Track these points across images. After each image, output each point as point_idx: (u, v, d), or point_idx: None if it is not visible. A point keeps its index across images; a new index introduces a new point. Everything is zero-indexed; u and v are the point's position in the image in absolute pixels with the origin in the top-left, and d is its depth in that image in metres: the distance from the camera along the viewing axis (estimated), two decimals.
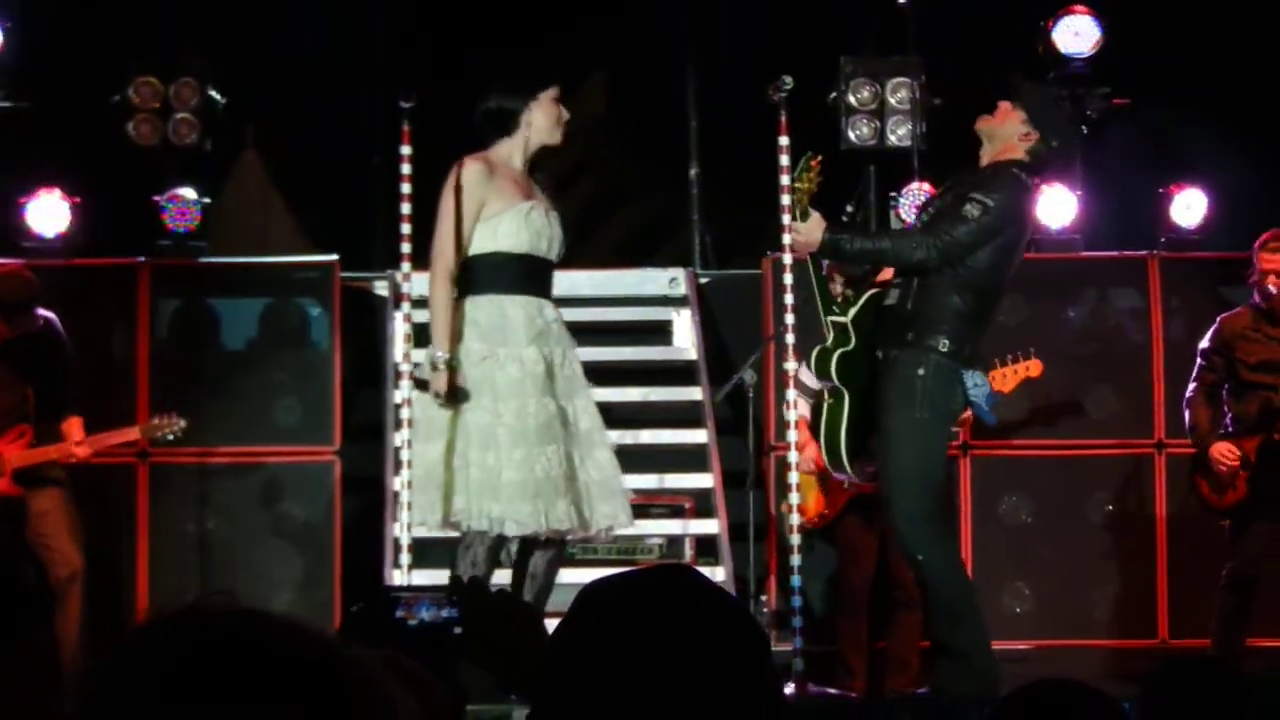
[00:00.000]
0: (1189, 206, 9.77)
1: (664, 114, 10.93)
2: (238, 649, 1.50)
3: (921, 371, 6.80)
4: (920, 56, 9.89)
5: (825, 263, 7.18)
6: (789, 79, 7.34)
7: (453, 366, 6.77)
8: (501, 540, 6.85)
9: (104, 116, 9.72)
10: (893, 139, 9.86)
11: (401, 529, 7.29)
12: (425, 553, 7.73)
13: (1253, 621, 8.21)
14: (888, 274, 7.09)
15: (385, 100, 7.83)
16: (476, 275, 6.89)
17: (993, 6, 9.91)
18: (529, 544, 6.94)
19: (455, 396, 6.76)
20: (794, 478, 7.53)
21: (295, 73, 10.28)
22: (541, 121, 6.98)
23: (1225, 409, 8.23)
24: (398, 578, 7.56)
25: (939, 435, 6.93)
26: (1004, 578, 9.39)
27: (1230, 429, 8.19)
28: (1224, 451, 8.07)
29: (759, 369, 9.07)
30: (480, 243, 6.88)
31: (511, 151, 7.00)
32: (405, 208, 7.41)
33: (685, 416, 9.65)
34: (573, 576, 7.12)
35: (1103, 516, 9.51)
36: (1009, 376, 8.29)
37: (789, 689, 7.31)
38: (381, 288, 9.80)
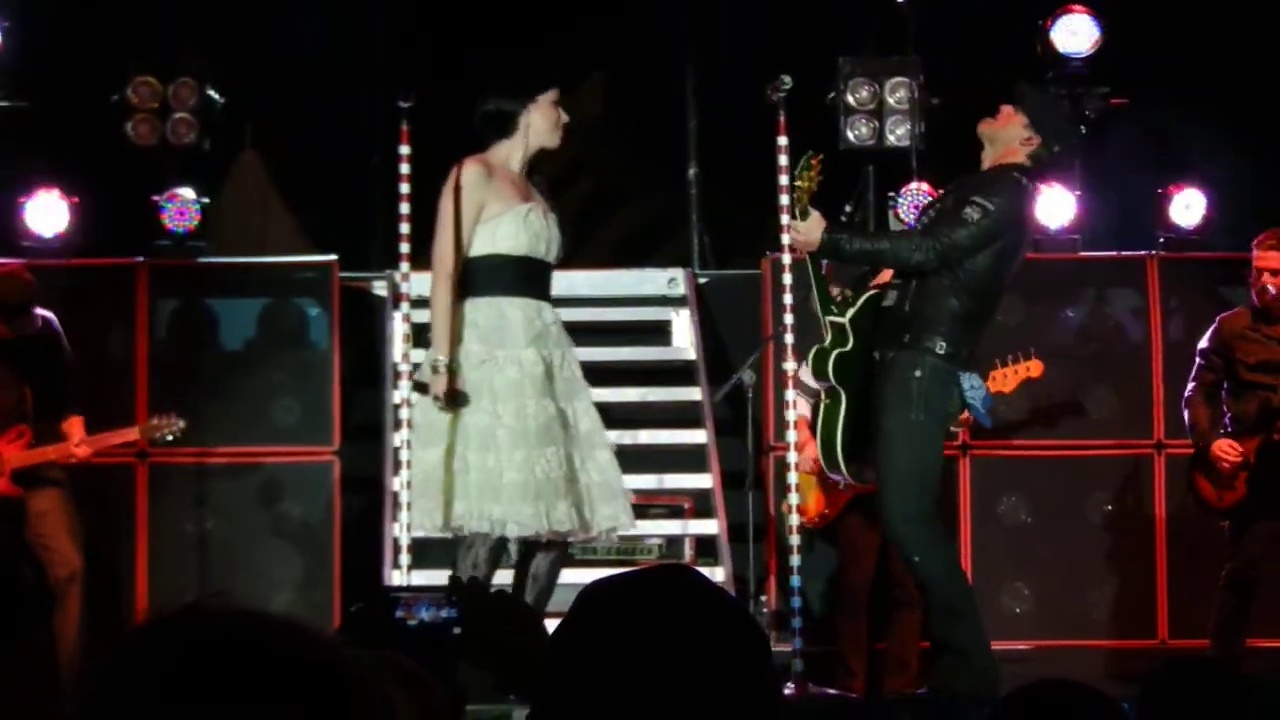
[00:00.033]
0: (1188, 206, 9.77)
1: (663, 114, 10.93)
2: (237, 649, 1.50)
3: (918, 373, 6.80)
4: (919, 56, 9.89)
5: (825, 262, 7.18)
6: (787, 79, 7.34)
7: (452, 370, 6.77)
8: (504, 542, 6.85)
9: (103, 116, 9.72)
10: (891, 139, 9.86)
11: (401, 529, 7.29)
12: (425, 553, 7.73)
13: (1252, 622, 8.21)
14: (886, 276, 7.09)
15: (384, 100, 7.83)
16: (475, 277, 6.89)
17: (991, 6, 9.91)
18: (531, 546, 6.94)
19: (455, 400, 6.76)
20: (793, 478, 7.53)
21: (294, 72, 10.28)
22: (540, 124, 6.99)
23: (1224, 409, 8.24)
24: (397, 578, 7.56)
25: (935, 437, 6.93)
26: (1003, 578, 9.39)
27: (1229, 429, 8.19)
28: (1226, 448, 8.07)
29: (758, 369, 9.07)
30: (479, 245, 6.88)
31: (510, 153, 7.00)
32: (404, 208, 7.41)
33: (684, 417, 9.65)
34: (572, 577, 7.12)
35: (1102, 517, 9.51)
36: (1010, 377, 8.29)
37: (788, 689, 7.31)
38: (380, 288, 9.80)
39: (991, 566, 9.33)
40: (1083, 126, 9.45)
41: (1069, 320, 9.73)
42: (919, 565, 6.88)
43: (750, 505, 8.88)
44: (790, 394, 7.66)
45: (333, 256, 9.69)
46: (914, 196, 9.53)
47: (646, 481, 9.07)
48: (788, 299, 7.55)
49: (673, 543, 9.23)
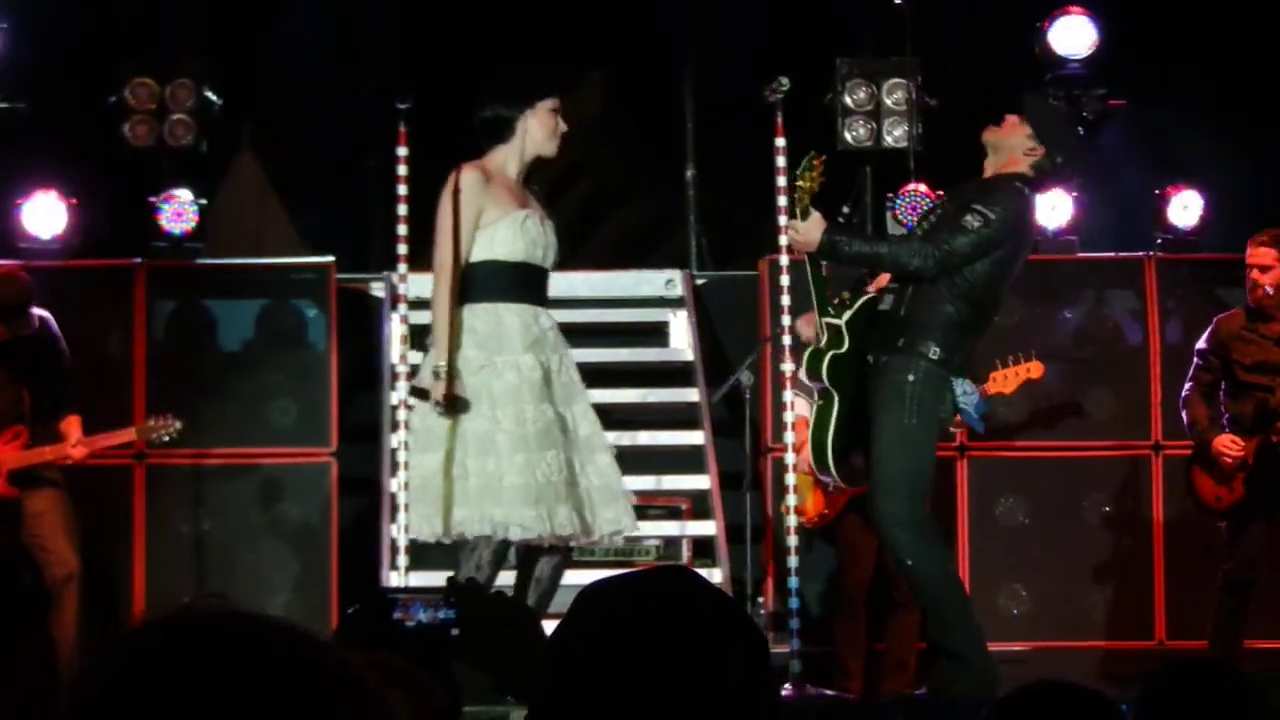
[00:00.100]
0: (1186, 207, 9.78)
1: (661, 115, 10.93)
2: (237, 650, 1.50)
3: (911, 377, 6.81)
4: (917, 58, 9.89)
5: (824, 264, 7.18)
6: (785, 80, 7.34)
7: (452, 375, 6.77)
8: (507, 545, 6.85)
9: (100, 118, 9.72)
10: (889, 140, 9.86)
11: (399, 530, 7.29)
12: (423, 554, 7.72)
13: (1250, 623, 8.21)
14: (884, 280, 7.09)
15: (382, 101, 7.83)
16: (473, 283, 6.89)
17: (989, 8, 9.91)
18: (534, 550, 6.95)
19: (455, 405, 6.77)
20: (791, 479, 7.53)
21: (292, 74, 10.28)
22: (537, 131, 6.99)
23: (1222, 409, 8.24)
24: (394, 579, 7.56)
25: (927, 441, 6.93)
26: (1001, 579, 9.39)
27: (1227, 430, 8.18)
28: (1227, 443, 8.07)
29: (756, 370, 9.07)
30: (477, 251, 6.89)
31: (507, 159, 7.01)
32: (402, 209, 7.41)
33: (682, 418, 9.65)
34: (571, 578, 7.12)
35: (1100, 518, 9.51)
36: (1010, 378, 8.29)
37: (786, 691, 7.31)
38: (378, 289, 9.80)
39: (989, 568, 9.33)
40: (1080, 128, 9.45)
41: (1067, 321, 9.73)
42: (912, 569, 6.88)
43: (748, 506, 8.88)
44: (788, 395, 7.66)
45: (330, 258, 9.68)
46: (911, 198, 9.53)
47: (644, 482, 9.06)
48: (785, 300, 7.55)
49: (670, 544, 9.23)
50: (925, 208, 8.92)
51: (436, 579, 7.54)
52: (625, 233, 11.13)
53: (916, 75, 9.83)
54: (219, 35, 10.04)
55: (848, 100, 9.87)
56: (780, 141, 7.40)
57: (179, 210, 9.60)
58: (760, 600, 9.17)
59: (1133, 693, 3.53)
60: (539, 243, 6.95)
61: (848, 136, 9.87)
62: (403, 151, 7.38)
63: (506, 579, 7.06)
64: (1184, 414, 8.33)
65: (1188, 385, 8.32)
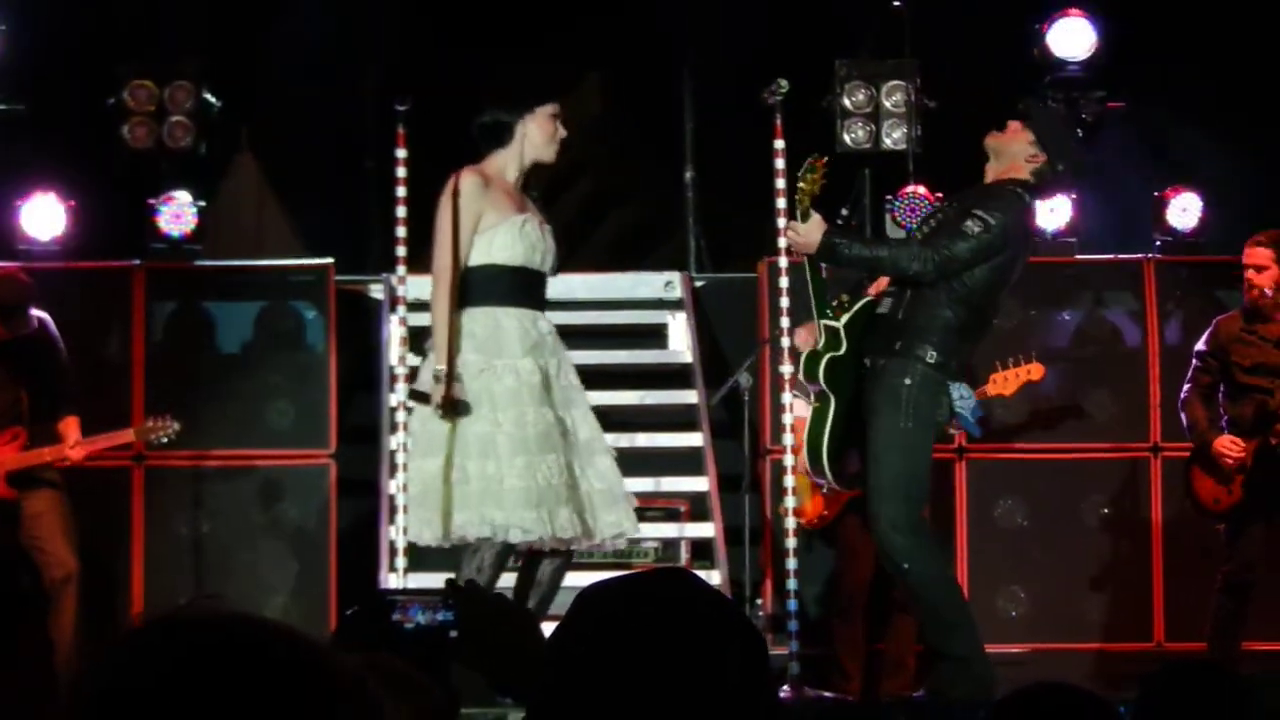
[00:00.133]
0: (1185, 209, 9.77)
1: (660, 116, 10.92)
2: (237, 650, 1.50)
3: (908, 381, 6.81)
4: (916, 59, 9.89)
5: (824, 266, 7.18)
6: (784, 82, 7.35)
7: (452, 378, 6.77)
8: (509, 548, 6.85)
9: (99, 119, 9.72)
10: (888, 142, 9.86)
11: (397, 532, 7.29)
12: (421, 556, 7.72)
13: (1248, 625, 8.21)
14: (883, 283, 7.09)
15: (381, 102, 7.83)
16: (471, 287, 6.90)
17: (988, 10, 9.91)
18: (536, 554, 6.96)
19: (456, 409, 6.77)
20: (790, 481, 7.53)
21: (290, 75, 10.27)
22: (536, 136, 6.99)
23: (1221, 411, 8.24)
24: (393, 581, 7.56)
25: (924, 445, 6.93)
26: (999, 581, 9.39)
27: (1226, 432, 8.18)
28: (1228, 444, 8.07)
29: (754, 372, 9.06)
30: (475, 255, 6.90)
31: (505, 164, 7.02)
32: (400, 211, 7.41)
33: (681, 420, 9.64)
34: (569, 579, 7.12)
35: (1098, 520, 9.51)
36: (1010, 380, 8.29)
37: (784, 692, 7.31)
38: (377, 291, 9.80)
39: (988, 570, 9.33)
40: (1080, 130, 9.45)
41: (1066, 323, 9.73)
42: (908, 573, 6.87)
43: (746, 508, 8.87)
44: (787, 397, 7.66)
45: (329, 259, 9.68)
46: (910, 200, 9.53)
47: (643, 484, 9.05)
48: (784, 302, 7.55)
49: (669, 545, 9.23)
50: (925, 211, 8.92)
51: (435, 580, 7.53)
52: (624, 234, 11.12)
53: (915, 77, 9.83)
54: (218, 36, 10.04)
55: (847, 102, 9.88)
56: (779, 143, 7.40)
57: (178, 212, 9.60)
58: (759, 602, 9.17)
59: (1131, 694, 3.53)
60: (537, 247, 6.96)
61: (847, 138, 9.87)
62: (401, 153, 7.38)
63: (506, 582, 7.06)
64: (1183, 416, 8.33)
65: (1186, 387, 8.32)
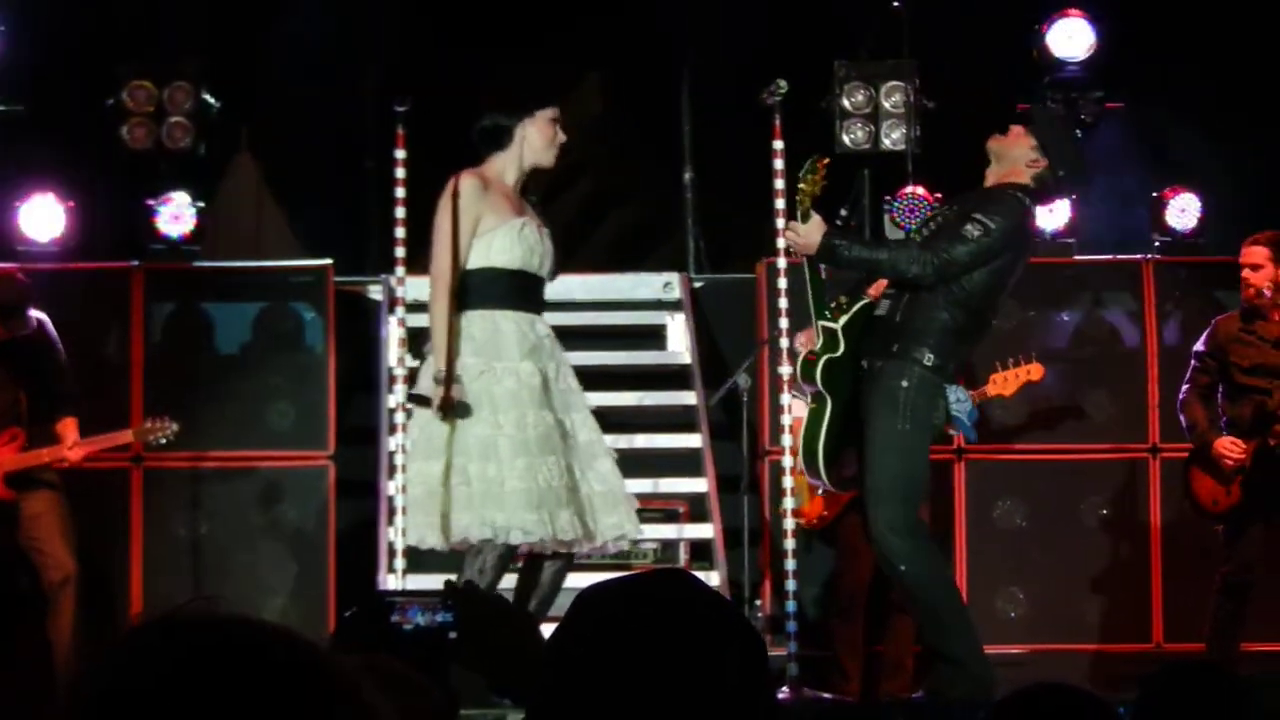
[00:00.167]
0: (1183, 210, 9.78)
1: (660, 116, 10.92)
2: (236, 651, 1.50)
3: (905, 383, 6.81)
4: (915, 60, 9.89)
5: (823, 267, 7.18)
6: (783, 83, 7.35)
7: (451, 380, 6.77)
8: (511, 550, 6.85)
9: (98, 120, 9.72)
10: (887, 143, 9.86)
11: (396, 533, 7.29)
12: (420, 558, 7.73)
13: (1247, 625, 8.21)
14: (882, 284, 7.09)
15: (380, 103, 7.83)
16: (470, 290, 6.91)
17: (987, 10, 9.91)
18: (537, 557, 6.96)
19: (456, 411, 6.77)
20: (788, 482, 7.53)
21: (289, 76, 10.27)
22: (535, 140, 7.00)
23: (1220, 411, 8.24)
24: (392, 582, 7.56)
25: (920, 447, 6.93)
26: (998, 582, 9.39)
27: (1225, 432, 8.18)
28: (1229, 445, 8.07)
29: (753, 373, 9.06)
30: (474, 258, 6.91)
31: (504, 167, 7.02)
32: (399, 212, 7.41)
33: (679, 421, 9.64)
34: (568, 580, 7.12)
35: (1097, 521, 9.51)
36: (1010, 380, 8.29)
37: (783, 694, 7.31)
38: (376, 292, 9.80)
39: (987, 571, 9.33)
40: (1079, 130, 9.45)
41: (1064, 324, 9.73)
42: (906, 575, 6.87)
43: (745, 509, 8.87)
44: (785, 398, 7.65)
45: (328, 260, 9.68)
46: (909, 200, 9.53)
47: (641, 485, 9.03)
48: (783, 303, 7.55)
49: (668, 547, 9.23)
50: (924, 212, 8.92)
51: (434, 582, 7.53)
52: (622, 235, 11.12)
53: (914, 78, 9.83)
54: (218, 36, 10.04)
55: (846, 103, 9.88)
56: (778, 144, 7.40)
57: (177, 213, 9.60)
58: (758, 603, 9.17)
59: (1130, 695, 3.53)
60: (536, 251, 6.96)
61: (846, 139, 9.87)
62: (401, 154, 7.38)
63: (507, 584, 7.06)
64: (1182, 417, 8.33)
65: (1185, 388, 8.32)
